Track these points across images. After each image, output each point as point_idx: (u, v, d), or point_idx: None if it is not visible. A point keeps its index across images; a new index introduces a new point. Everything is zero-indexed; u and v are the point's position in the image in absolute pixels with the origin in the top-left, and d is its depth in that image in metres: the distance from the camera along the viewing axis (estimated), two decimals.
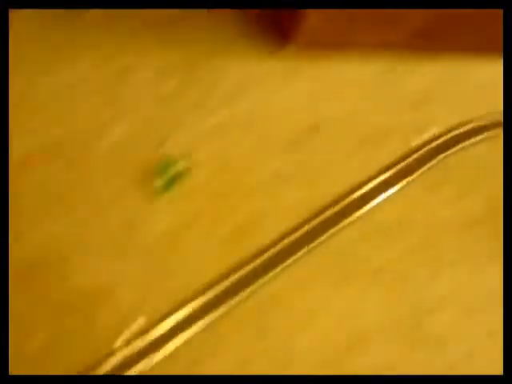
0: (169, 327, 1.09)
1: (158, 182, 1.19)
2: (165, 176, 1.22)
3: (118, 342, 1.03)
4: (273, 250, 1.18)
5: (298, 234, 1.19)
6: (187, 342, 1.07)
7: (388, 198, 1.35)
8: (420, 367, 1.31)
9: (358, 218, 1.28)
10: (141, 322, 1.06)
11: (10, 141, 1.00)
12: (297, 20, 1.40)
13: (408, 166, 1.40)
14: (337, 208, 1.27)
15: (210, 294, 1.13)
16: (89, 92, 1.23)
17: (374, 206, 1.33)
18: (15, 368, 0.98)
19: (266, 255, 1.19)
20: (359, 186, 1.34)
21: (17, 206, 1.03)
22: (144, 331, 1.07)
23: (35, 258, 1.00)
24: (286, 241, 1.19)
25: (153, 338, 1.08)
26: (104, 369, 1.06)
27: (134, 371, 1.06)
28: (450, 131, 1.62)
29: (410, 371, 1.30)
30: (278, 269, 1.15)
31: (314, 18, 1.38)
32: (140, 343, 1.06)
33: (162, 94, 1.24)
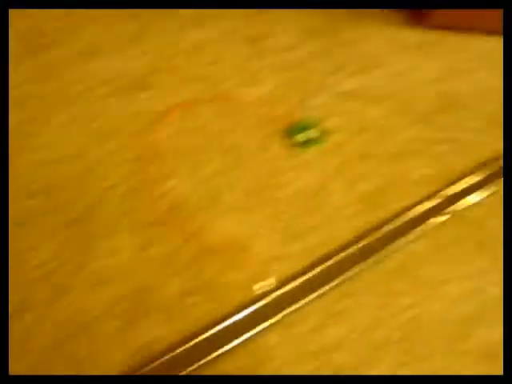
0: (298, 286, 1.03)
1: (298, 139, 1.14)
2: (304, 134, 1.16)
3: (245, 299, 0.97)
4: (402, 218, 1.12)
5: (424, 207, 1.13)
6: (313, 302, 1.01)
7: None
8: None
9: (486, 195, 1.19)
10: (271, 282, 0.99)
11: (151, 96, 0.96)
12: None
13: None
14: (463, 184, 1.18)
15: (338, 257, 1.07)
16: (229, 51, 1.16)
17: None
18: None
19: (396, 221, 1.13)
20: (485, 164, 1.26)
21: (154, 156, 0.98)
22: (273, 290, 1.01)
23: (167, 210, 0.94)
24: (412, 212, 1.12)
25: (281, 293, 1.01)
26: (232, 320, 0.97)
27: (256, 330, 0.98)
28: None
29: None
30: (408, 237, 1.09)
31: None
32: (268, 300, 1.00)
33: (302, 57, 1.18)
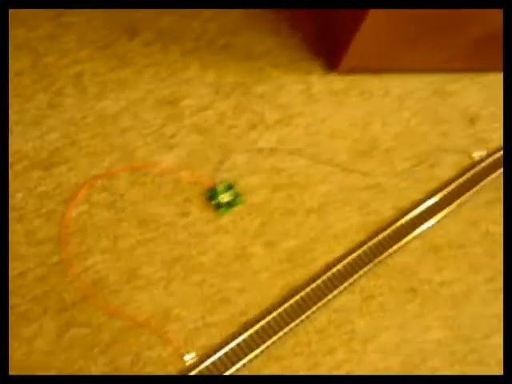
0: (221, 357, 0.98)
1: (217, 203, 1.10)
2: (223, 197, 1.12)
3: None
4: (328, 274, 1.08)
5: (354, 256, 1.09)
6: (238, 371, 0.98)
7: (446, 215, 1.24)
8: None
9: (411, 240, 1.17)
10: (194, 356, 0.94)
11: (70, 166, 0.93)
12: (345, 44, 1.32)
13: (462, 185, 1.29)
14: (389, 231, 1.15)
15: (265, 321, 1.03)
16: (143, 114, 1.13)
17: (429, 227, 1.23)
18: None
19: (323, 277, 1.09)
20: (414, 206, 1.23)
21: (71, 231, 0.95)
22: (198, 363, 0.96)
23: (90, 284, 0.89)
24: (340, 265, 1.08)
25: (205, 366, 0.97)
26: None
27: None
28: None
29: None
30: (335, 292, 1.06)
31: (360, 41, 1.30)
32: (193, 373, 0.95)
33: (217, 116, 1.16)
